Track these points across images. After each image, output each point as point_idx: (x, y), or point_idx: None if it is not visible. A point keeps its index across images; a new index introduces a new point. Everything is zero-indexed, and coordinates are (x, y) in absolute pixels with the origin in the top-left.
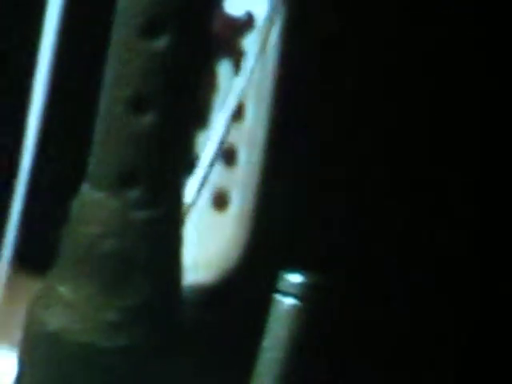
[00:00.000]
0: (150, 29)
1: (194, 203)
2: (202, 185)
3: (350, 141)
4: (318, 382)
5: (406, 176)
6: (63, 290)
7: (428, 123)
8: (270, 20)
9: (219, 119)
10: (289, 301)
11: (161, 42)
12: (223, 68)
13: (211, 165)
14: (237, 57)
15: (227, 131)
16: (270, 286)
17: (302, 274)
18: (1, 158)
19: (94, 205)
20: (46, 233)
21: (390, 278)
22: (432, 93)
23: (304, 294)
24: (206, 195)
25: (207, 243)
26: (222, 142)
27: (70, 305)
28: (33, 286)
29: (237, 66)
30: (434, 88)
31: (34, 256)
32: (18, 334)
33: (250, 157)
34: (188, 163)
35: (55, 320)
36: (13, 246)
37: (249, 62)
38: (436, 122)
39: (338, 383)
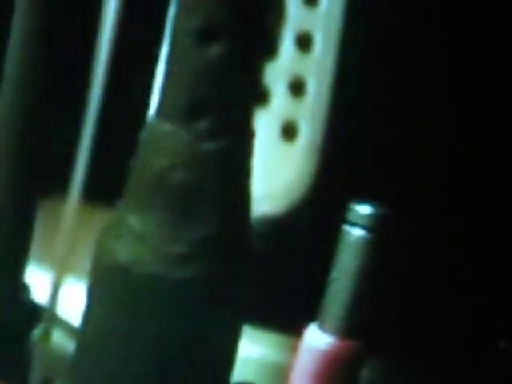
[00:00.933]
0: None
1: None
2: None
3: (420, 70)
4: (385, 310)
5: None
6: (132, 221)
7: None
8: None
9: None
10: (357, 232)
11: None
12: None
13: None
14: None
15: None
16: (339, 217)
17: (371, 205)
18: (69, 90)
19: (163, 136)
20: (115, 163)
21: (458, 209)
22: None
23: (373, 225)
24: (275, 126)
25: (275, 174)
26: None
27: (139, 236)
28: (102, 217)
29: None
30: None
31: (103, 187)
32: (87, 265)
33: (318, 87)
34: (257, 94)
35: (124, 251)
36: (82, 177)
37: None
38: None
39: (405, 313)
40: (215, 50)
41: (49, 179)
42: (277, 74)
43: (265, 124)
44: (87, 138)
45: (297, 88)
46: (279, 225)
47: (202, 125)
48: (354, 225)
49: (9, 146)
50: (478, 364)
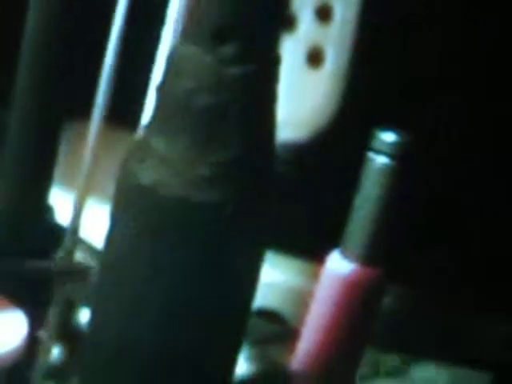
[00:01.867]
0: None
1: None
2: None
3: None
4: (408, 239)
5: None
6: (157, 143)
7: None
8: None
9: None
10: (381, 159)
11: None
12: None
13: None
14: None
15: None
16: (364, 144)
17: (396, 132)
18: (93, 13)
19: (189, 60)
20: (138, 86)
21: (482, 139)
22: None
23: (397, 152)
24: (301, 52)
25: (301, 100)
26: None
27: (164, 159)
28: (125, 140)
29: None
30: None
31: (126, 109)
32: (110, 188)
33: (345, 14)
34: (283, 20)
35: (148, 174)
36: (106, 100)
37: None
38: None
39: (428, 242)
40: None
41: (73, 101)
42: None
43: (291, 50)
44: (111, 60)
45: (323, 14)
46: (304, 150)
47: (228, 49)
48: (379, 152)
49: (33, 71)
50: (499, 300)
